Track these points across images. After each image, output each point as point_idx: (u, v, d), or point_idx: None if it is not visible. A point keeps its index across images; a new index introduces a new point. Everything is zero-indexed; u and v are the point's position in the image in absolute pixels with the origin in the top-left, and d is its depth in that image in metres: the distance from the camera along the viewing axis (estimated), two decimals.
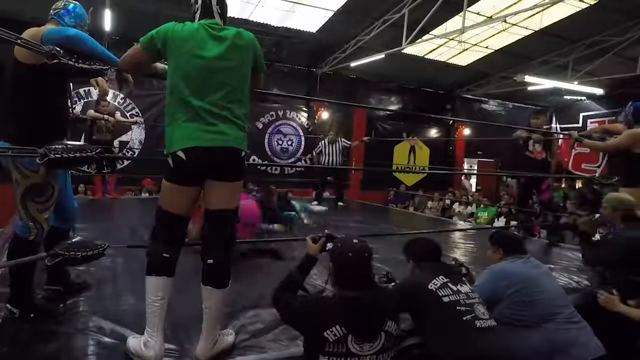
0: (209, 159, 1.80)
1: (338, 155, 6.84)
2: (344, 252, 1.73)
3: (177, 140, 1.80)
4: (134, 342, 1.85)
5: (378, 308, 1.68)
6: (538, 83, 9.59)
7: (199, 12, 1.92)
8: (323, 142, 7.03)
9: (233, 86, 1.85)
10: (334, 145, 6.88)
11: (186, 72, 1.80)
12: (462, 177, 12.20)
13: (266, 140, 10.19)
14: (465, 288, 1.92)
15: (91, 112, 6.09)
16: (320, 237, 2.06)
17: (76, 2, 2.22)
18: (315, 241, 2.04)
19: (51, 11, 2.16)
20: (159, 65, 2.06)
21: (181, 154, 1.77)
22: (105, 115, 6.06)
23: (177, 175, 1.84)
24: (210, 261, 1.87)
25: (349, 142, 7.22)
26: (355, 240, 1.79)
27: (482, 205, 8.92)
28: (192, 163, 1.79)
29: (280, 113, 10.37)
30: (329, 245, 1.98)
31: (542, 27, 8.18)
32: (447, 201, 9.95)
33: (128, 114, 8.41)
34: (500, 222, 7.79)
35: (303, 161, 10.13)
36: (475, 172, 13.35)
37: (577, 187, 9.55)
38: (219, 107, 1.81)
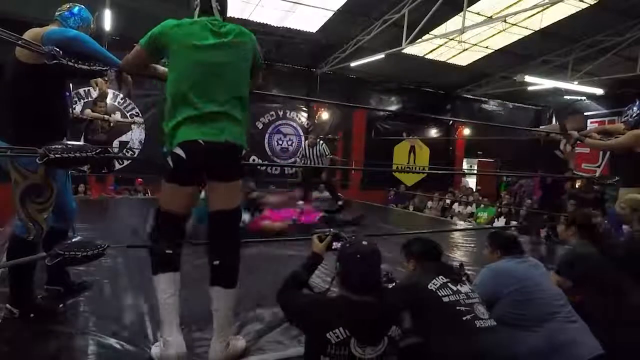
0: (208, 155, 1.79)
1: (318, 159, 6.65)
2: (352, 253, 1.68)
3: (177, 137, 1.79)
4: (156, 348, 1.85)
5: (383, 313, 1.64)
6: (538, 83, 9.60)
7: (198, 8, 1.92)
8: (304, 146, 6.89)
9: (232, 82, 1.86)
10: (313, 149, 6.69)
11: (186, 68, 1.80)
12: (462, 178, 12.20)
13: (266, 140, 10.19)
14: (465, 288, 1.92)
15: (88, 111, 6.08)
16: (326, 235, 2.00)
17: (82, 6, 2.22)
18: (322, 239, 1.99)
19: (56, 13, 2.17)
20: (160, 67, 2.06)
21: (181, 152, 1.77)
22: (104, 116, 6.06)
23: (177, 175, 1.83)
24: (216, 262, 1.87)
25: (328, 151, 6.91)
26: (364, 242, 1.73)
27: (482, 205, 8.92)
28: (192, 160, 1.78)
29: (280, 113, 10.37)
30: (336, 244, 1.95)
31: (542, 27, 8.18)
32: (447, 201, 9.95)
33: (128, 114, 8.42)
34: (500, 222, 7.79)
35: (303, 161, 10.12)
36: (475, 172, 13.35)
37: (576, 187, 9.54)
38: (219, 102, 1.81)
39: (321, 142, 6.94)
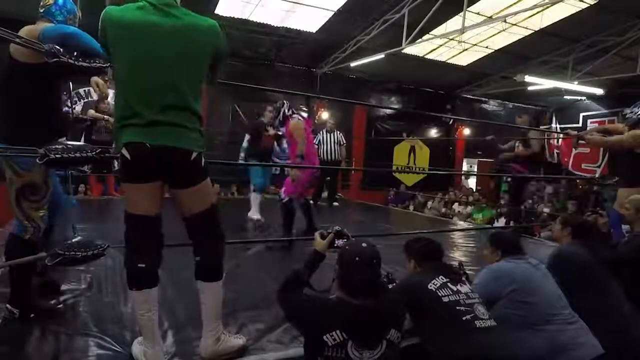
0: (158, 158, 1.68)
1: (335, 145, 6.86)
2: (351, 256, 1.65)
3: (123, 137, 1.69)
4: (137, 349, 1.84)
5: (381, 317, 1.62)
6: (538, 83, 9.58)
7: None
8: (321, 131, 7.06)
9: (180, 84, 1.70)
10: (331, 135, 6.90)
11: (128, 69, 1.68)
12: (462, 178, 12.19)
13: None
14: (465, 288, 1.92)
15: (91, 111, 6.09)
16: (329, 232, 1.97)
17: None
18: (324, 237, 1.96)
19: (40, 8, 2.09)
20: None
21: (126, 154, 1.67)
22: (105, 116, 6.06)
23: (128, 174, 1.73)
24: (197, 258, 1.86)
25: (344, 140, 7.19)
26: (364, 245, 1.70)
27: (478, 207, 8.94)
28: (139, 162, 1.68)
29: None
30: (338, 242, 1.92)
31: (542, 27, 8.18)
32: (444, 204, 9.95)
33: None
34: (500, 223, 7.79)
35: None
36: (475, 172, 13.34)
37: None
38: (163, 111, 1.67)
39: (337, 131, 7.05)
